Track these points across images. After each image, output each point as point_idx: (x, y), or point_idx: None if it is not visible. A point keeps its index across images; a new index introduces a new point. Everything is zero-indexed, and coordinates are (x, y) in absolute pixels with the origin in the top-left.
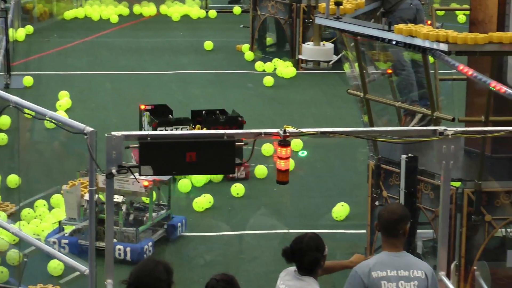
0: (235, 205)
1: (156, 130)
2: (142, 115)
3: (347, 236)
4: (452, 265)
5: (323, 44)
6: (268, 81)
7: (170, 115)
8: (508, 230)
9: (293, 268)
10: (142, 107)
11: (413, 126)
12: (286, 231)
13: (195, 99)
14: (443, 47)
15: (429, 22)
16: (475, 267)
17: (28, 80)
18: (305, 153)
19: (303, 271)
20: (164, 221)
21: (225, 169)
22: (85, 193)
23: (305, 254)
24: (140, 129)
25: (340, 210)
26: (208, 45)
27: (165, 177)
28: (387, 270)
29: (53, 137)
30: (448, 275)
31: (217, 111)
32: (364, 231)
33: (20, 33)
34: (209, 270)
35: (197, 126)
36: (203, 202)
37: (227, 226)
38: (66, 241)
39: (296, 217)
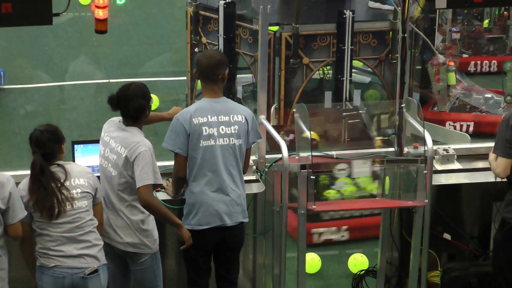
0: (54, 56)
1: None
2: None
3: (168, 83)
4: (272, 108)
5: None
6: None
7: None
8: (325, 72)
9: (117, 118)
10: None
11: None
12: (106, 80)
13: None
14: None
15: None
16: (294, 109)
17: None
18: (123, 0)
19: (128, 120)
20: None
21: (43, 19)
22: None
23: (131, 101)
24: None
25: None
26: None
27: None
28: (207, 116)
29: None
30: (268, 118)
31: None
32: (185, 78)
33: None
34: (30, 121)
35: None
36: None
37: (47, 77)
38: None
39: (116, 66)
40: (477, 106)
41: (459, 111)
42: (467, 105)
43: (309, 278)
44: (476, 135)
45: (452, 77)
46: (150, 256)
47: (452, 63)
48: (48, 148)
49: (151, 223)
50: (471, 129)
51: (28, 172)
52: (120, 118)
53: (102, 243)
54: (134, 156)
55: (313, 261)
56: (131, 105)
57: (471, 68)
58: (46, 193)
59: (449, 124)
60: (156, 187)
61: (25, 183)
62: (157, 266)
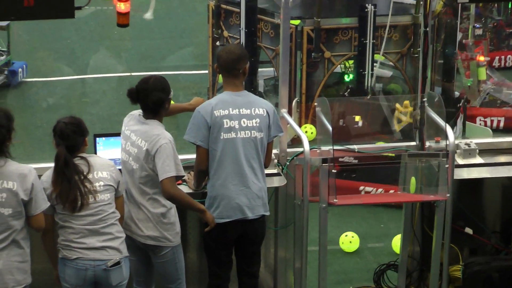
0: (76, 49)
1: None
2: None
3: (189, 77)
4: (294, 102)
5: None
6: None
7: None
8: (347, 65)
9: (137, 112)
10: None
11: None
12: (128, 74)
13: None
14: None
15: None
16: (315, 103)
17: None
18: None
19: (147, 114)
20: (4, 67)
21: (65, 13)
22: None
23: (150, 94)
24: None
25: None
26: None
27: (3, 23)
28: (229, 109)
29: None
30: (289, 112)
31: None
32: (206, 72)
33: None
34: (52, 114)
35: None
36: None
37: (69, 70)
38: None
39: (138, 59)
40: (507, 102)
41: (489, 106)
42: (498, 100)
43: (347, 257)
44: (508, 130)
45: (483, 72)
46: (171, 249)
47: (482, 58)
48: (72, 140)
49: (172, 217)
50: (501, 124)
51: (51, 164)
52: (140, 111)
53: (124, 235)
54: (155, 149)
55: (351, 240)
56: (150, 99)
57: (496, 64)
58: (70, 186)
59: (480, 120)
60: (179, 178)
61: (48, 175)
62: (178, 259)
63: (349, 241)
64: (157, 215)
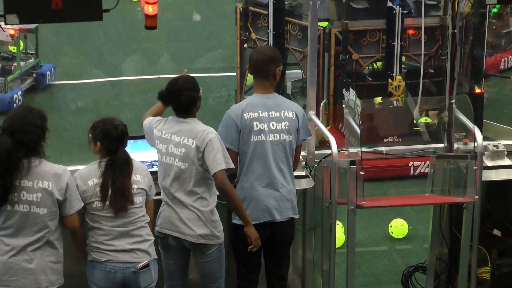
0: (104, 51)
1: None
2: None
3: (218, 79)
4: (321, 104)
5: None
6: None
7: None
8: (375, 67)
9: (169, 117)
10: None
11: None
12: (156, 76)
13: None
14: None
15: None
16: (343, 105)
17: None
18: None
19: (181, 114)
20: (33, 69)
21: (93, 15)
22: None
23: (182, 94)
24: None
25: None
26: None
27: (32, 26)
28: (259, 111)
29: None
30: (317, 114)
31: None
32: (234, 74)
33: None
34: (80, 117)
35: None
36: None
37: (97, 72)
38: None
39: (166, 62)
40: None
41: None
42: None
43: (375, 259)
44: None
45: None
46: (218, 247)
47: None
48: (125, 142)
49: (217, 214)
50: None
51: (78, 167)
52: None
53: (153, 238)
54: (205, 144)
55: (400, 226)
56: (182, 98)
57: (502, 66)
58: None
59: None
60: (228, 171)
61: (81, 173)
62: (222, 257)
63: (400, 225)
64: (207, 213)
